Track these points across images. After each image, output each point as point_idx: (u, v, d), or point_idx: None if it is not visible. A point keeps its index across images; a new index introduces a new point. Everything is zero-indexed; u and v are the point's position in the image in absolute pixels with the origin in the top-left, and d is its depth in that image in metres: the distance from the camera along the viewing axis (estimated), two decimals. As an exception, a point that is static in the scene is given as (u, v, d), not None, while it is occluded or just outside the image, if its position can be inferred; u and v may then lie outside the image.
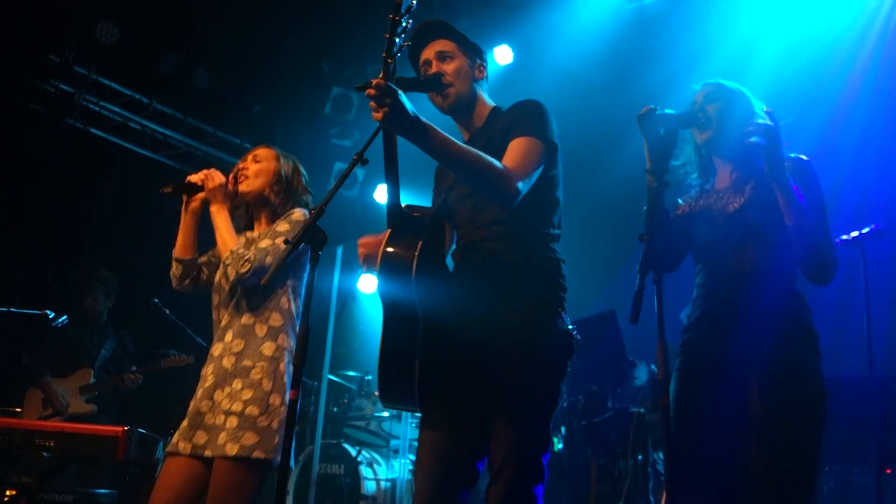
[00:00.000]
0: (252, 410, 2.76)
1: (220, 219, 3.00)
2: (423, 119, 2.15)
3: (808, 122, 4.81)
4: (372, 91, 2.04)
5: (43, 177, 6.52)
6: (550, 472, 2.40)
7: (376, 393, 6.74)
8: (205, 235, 3.10)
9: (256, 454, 2.70)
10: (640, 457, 4.94)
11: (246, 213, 3.19)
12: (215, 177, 3.04)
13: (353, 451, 6.10)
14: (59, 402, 5.39)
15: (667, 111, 2.33)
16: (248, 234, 3.12)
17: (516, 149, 2.38)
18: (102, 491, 4.40)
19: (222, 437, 2.73)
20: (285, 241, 2.55)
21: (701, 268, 2.67)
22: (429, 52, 2.60)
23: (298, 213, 3.02)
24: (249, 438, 2.72)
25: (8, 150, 6.30)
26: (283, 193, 3.10)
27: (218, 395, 2.84)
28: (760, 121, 2.47)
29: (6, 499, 4.05)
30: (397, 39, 2.08)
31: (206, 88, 7.14)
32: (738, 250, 2.52)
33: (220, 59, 6.99)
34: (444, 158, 2.25)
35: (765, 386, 2.40)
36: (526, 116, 2.46)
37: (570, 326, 2.43)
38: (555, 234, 2.50)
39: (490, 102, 2.66)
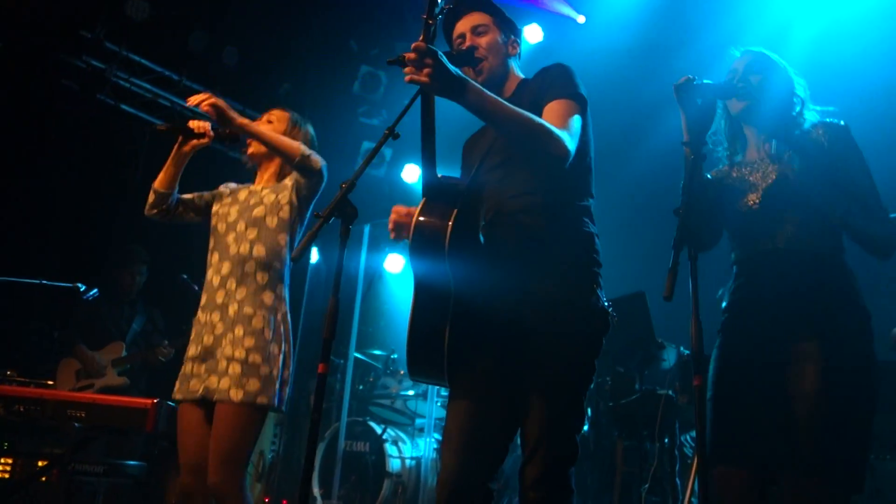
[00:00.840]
0: (255, 358, 2.89)
1: (255, 126, 3.08)
2: (468, 78, 2.12)
3: (853, 87, 4.65)
4: (412, 55, 2.01)
5: (75, 152, 6.57)
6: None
7: (402, 371, 6.76)
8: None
9: (261, 400, 2.86)
10: (666, 439, 4.89)
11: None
12: (201, 125, 3.14)
13: (378, 429, 6.12)
14: (94, 365, 5.43)
15: (705, 81, 2.26)
16: (252, 187, 3.24)
17: (556, 110, 2.33)
18: (132, 462, 4.46)
19: (225, 382, 2.86)
20: (316, 215, 2.56)
21: (737, 244, 2.59)
22: (464, 26, 2.57)
23: None
24: (253, 385, 2.86)
25: (42, 126, 6.37)
26: None
27: (223, 342, 2.95)
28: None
29: (37, 469, 4.11)
30: (440, 0, 2.04)
31: (235, 66, 7.14)
32: (776, 223, 2.44)
33: (249, 36, 6.99)
34: (494, 117, 2.19)
35: (812, 369, 2.30)
36: (557, 78, 2.41)
37: (605, 303, 2.36)
38: (587, 204, 2.44)
39: (520, 76, 2.63)
